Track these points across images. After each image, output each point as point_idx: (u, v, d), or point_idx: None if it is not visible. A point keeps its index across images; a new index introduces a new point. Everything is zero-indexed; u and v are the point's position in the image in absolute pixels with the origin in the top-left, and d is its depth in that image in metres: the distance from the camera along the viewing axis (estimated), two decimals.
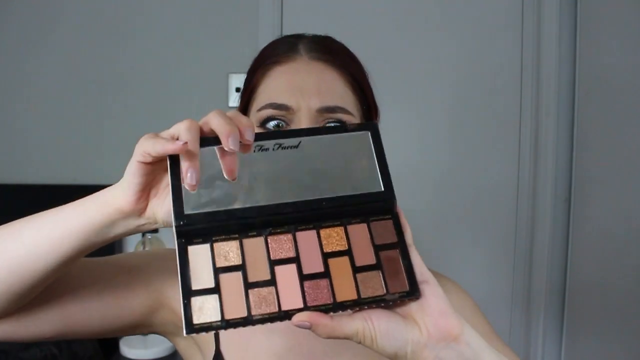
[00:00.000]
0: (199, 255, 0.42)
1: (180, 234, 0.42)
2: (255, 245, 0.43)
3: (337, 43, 0.67)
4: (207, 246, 0.42)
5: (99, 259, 0.64)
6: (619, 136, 1.41)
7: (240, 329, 0.63)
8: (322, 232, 0.44)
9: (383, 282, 0.44)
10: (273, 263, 0.43)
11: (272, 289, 0.42)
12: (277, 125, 0.61)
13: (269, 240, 0.43)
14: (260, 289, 0.42)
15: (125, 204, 0.47)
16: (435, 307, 0.43)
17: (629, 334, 1.32)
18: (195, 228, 0.42)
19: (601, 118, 1.52)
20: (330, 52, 0.64)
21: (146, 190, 0.48)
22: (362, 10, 1.77)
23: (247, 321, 0.41)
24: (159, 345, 1.56)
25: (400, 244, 0.46)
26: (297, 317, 0.41)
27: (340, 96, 0.62)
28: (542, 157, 1.68)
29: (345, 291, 0.43)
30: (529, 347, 1.71)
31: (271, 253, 0.43)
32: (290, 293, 0.42)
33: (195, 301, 0.41)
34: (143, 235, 1.74)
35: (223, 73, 1.82)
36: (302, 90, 0.60)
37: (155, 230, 1.72)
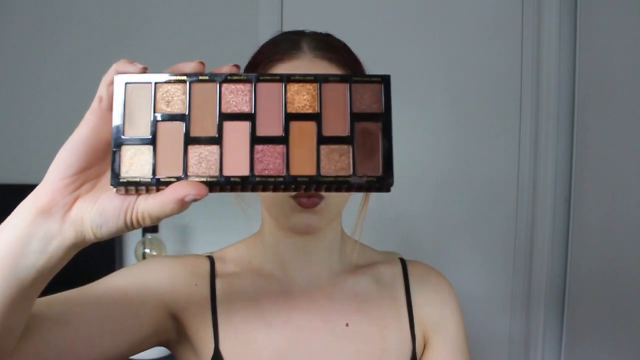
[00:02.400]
0: (139, 95, 0.35)
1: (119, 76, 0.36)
2: (205, 92, 0.36)
3: (338, 41, 0.67)
4: (149, 86, 0.36)
5: (86, 297, 0.56)
6: (619, 136, 1.41)
7: (239, 326, 0.63)
8: (290, 86, 0.36)
9: (351, 160, 0.36)
10: (223, 117, 0.36)
11: (215, 148, 0.35)
12: None
13: (222, 89, 0.36)
14: (203, 146, 0.35)
15: (48, 194, 0.38)
16: None
17: (629, 334, 1.32)
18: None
19: (601, 118, 1.52)
20: (334, 50, 0.64)
21: (79, 179, 0.39)
22: (361, 10, 1.77)
23: (179, 179, 0.35)
24: None
25: (385, 117, 0.37)
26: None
27: None
28: (542, 157, 1.68)
29: (303, 164, 0.35)
30: (528, 347, 1.71)
31: (223, 104, 0.36)
32: (236, 156, 0.36)
33: (127, 150, 0.35)
34: (143, 235, 1.74)
35: None
36: None
37: (155, 230, 1.72)
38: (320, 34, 0.67)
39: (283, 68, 0.61)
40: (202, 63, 0.37)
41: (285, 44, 0.63)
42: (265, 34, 1.92)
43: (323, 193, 0.59)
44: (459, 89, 1.75)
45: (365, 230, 0.71)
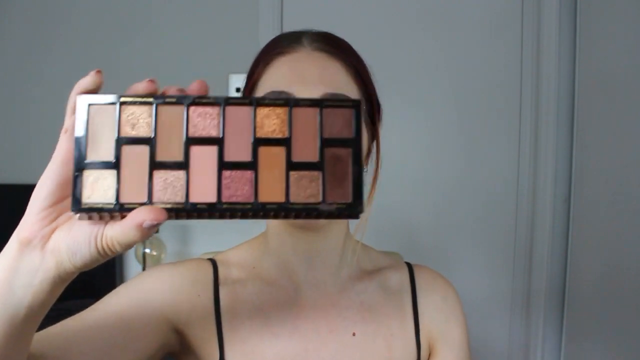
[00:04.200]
0: (103, 117, 0.34)
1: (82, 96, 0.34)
2: (172, 115, 0.35)
3: (339, 37, 0.67)
4: (114, 107, 0.34)
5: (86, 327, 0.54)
6: (619, 136, 1.41)
7: (245, 336, 0.62)
8: (260, 110, 0.35)
9: (321, 187, 0.35)
10: (190, 141, 0.34)
11: (182, 173, 0.34)
12: None
13: (190, 112, 0.35)
14: (169, 171, 0.34)
15: (28, 227, 0.38)
16: None
17: (629, 334, 1.32)
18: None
19: (601, 118, 1.52)
20: (334, 44, 0.63)
21: (56, 211, 0.38)
22: (361, 10, 1.77)
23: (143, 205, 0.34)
24: None
25: (356, 143, 0.36)
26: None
27: (345, 86, 0.60)
28: (542, 157, 1.68)
29: (272, 190, 0.34)
30: (528, 347, 1.71)
31: (190, 128, 0.35)
32: (203, 182, 0.34)
33: (89, 175, 0.34)
34: None
35: (223, 73, 1.82)
36: (305, 78, 0.58)
37: (155, 230, 1.72)
38: (321, 31, 0.66)
39: (282, 60, 0.61)
40: (152, 81, 0.37)
41: (286, 39, 0.63)
42: (265, 34, 1.92)
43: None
44: (458, 89, 1.75)
45: (366, 230, 0.70)
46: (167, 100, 0.34)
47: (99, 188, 0.34)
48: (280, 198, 0.34)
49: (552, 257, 1.68)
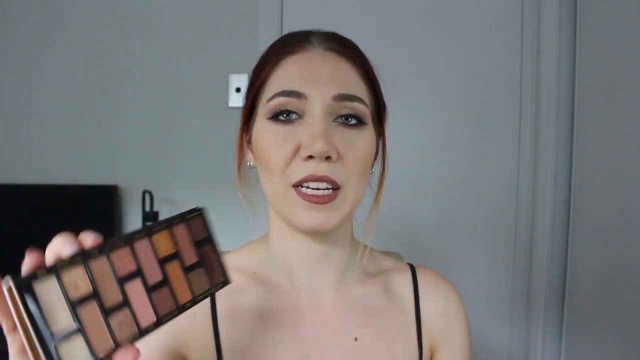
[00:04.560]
0: (49, 291, 0.36)
1: (18, 283, 0.35)
2: (100, 265, 0.39)
3: (347, 38, 0.66)
4: (53, 278, 0.36)
5: None
6: (619, 136, 1.41)
7: (244, 346, 0.60)
8: (154, 237, 0.44)
9: (207, 277, 0.47)
10: (121, 281, 0.40)
11: (127, 310, 0.40)
12: (288, 115, 0.58)
13: (111, 258, 0.40)
14: (118, 312, 0.39)
15: None
16: None
17: (629, 334, 1.32)
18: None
19: (601, 118, 1.52)
20: (343, 44, 0.63)
21: None
22: (361, 10, 1.77)
23: (115, 349, 0.38)
24: None
25: (211, 238, 0.48)
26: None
27: (356, 86, 0.60)
28: (542, 157, 1.68)
29: (184, 293, 0.44)
30: (528, 347, 1.71)
31: (116, 270, 0.40)
32: (143, 308, 0.41)
33: (62, 348, 0.36)
34: None
35: (223, 73, 1.82)
36: (316, 77, 0.58)
37: None
38: (329, 31, 0.66)
39: (292, 60, 0.60)
40: (69, 236, 0.38)
41: (295, 39, 0.62)
42: (266, 34, 1.92)
43: (338, 181, 0.57)
44: (458, 89, 1.75)
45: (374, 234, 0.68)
46: (92, 256, 0.39)
47: (74, 353, 0.37)
48: (190, 296, 0.45)
49: (552, 257, 1.68)
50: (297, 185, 0.57)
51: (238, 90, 1.81)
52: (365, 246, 0.69)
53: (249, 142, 0.64)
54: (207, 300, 0.64)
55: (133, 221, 1.89)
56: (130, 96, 1.90)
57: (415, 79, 1.77)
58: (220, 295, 0.64)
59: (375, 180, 0.67)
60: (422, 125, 1.78)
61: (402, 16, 1.76)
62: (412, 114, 1.78)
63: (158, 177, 1.87)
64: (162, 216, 1.81)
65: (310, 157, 0.56)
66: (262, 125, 0.60)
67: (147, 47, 1.88)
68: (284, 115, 0.58)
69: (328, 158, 0.56)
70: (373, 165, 0.65)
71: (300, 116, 0.58)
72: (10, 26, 1.94)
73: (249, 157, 0.65)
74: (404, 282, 0.71)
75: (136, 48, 1.89)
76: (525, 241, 1.71)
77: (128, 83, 1.90)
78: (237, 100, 1.81)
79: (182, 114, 1.86)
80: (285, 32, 0.66)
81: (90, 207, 1.85)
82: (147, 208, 1.77)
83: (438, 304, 0.70)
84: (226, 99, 1.82)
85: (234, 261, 0.68)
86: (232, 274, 0.65)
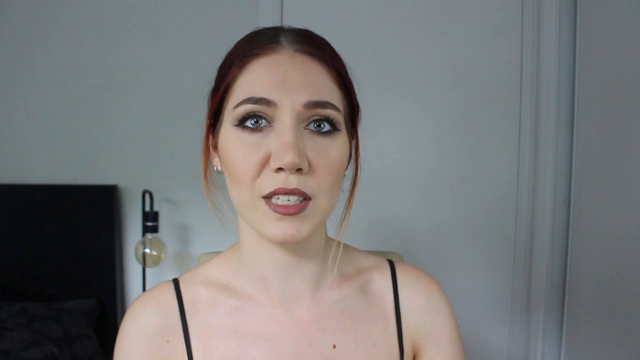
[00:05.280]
0: None
1: None
2: None
3: (319, 36, 0.62)
4: None
5: None
6: (619, 136, 1.41)
7: (217, 344, 0.59)
8: None
9: None
10: None
11: None
12: (257, 122, 0.55)
13: None
14: None
15: None
16: None
17: (629, 334, 1.32)
18: None
19: (601, 118, 1.52)
20: (315, 44, 0.59)
21: None
22: (361, 10, 1.77)
23: None
24: None
25: None
26: None
27: (329, 91, 0.57)
28: (542, 157, 1.68)
29: None
30: (528, 347, 1.71)
31: None
32: None
33: None
34: (143, 234, 1.74)
35: None
36: (286, 83, 0.54)
37: (155, 230, 1.72)
38: (300, 29, 0.61)
39: (260, 62, 0.56)
40: None
41: (263, 38, 0.58)
42: None
43: (310, 193, 0.54)
44: (458, 89, 1.75)
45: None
46: None
47: None
48: None
49: (552, 257, 1.68)
50: (267, 197, 0.54)
51: None
52: (338, 245, 0.66)
53: (215, 146, 0.62)
54: (178, 321, 0.63)
55: (133, 221, 1.90)
56: (130, 96, 1.90)
57: (415, 79, 1.77)
58: (190, 312, 0.63)
59: (347, 183, 0.64)
60: (421, 124, 1.78)
61: (402, 16, 1.76)
62: (412, 114, 1.78)
63: (158, 177, 1.87)
64: (162, 216, 1.81)
65: (281, 169, 0.53)
66: (228, 131, 0.57)
67: (147, 46, 1.88)
68: (252, 121, 0.55)
69: (299, 170, 0.53)
70: (346, 168, 0.62)
71: (270, 122, 0.55)
72: (10, 26, 1.94)
73: (216, 162, 0.63)
74: (382, 279, 0.68)
75: (136, 48, 1.89)
76: (525, 241, 1.71)
77: (128, 83, 1.90)
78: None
79: (182, 114, 1.86)
80: (260, 28, 0.63)
81: (90, 207, 1.85)
82: (147, 208, 1.77)
83: (418, 300, 0.68)
84: None
85: (204, 274, 0.67)
86: (202, 290, 0.65)
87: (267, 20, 1.75)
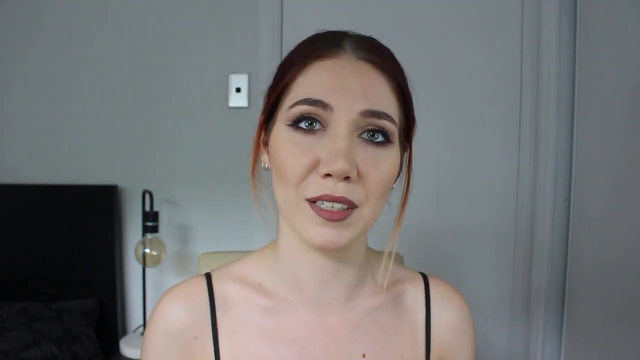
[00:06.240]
0: None
1: None
2: None
3: (383, 45, 0.62)
4: None
5: None
6: (619, 136, 1.41)
7: (248, 358, 0.60)
8: None
9: None
10: None
11: None
12: (310, 124, 0.54)
13: None
14: None
15: None
16: None
17: (628, 334, 1.32)
18: None
19: (601, 118, 1.52)
20: (378, 53, 0.58)
21: None
22: (361, 10, 1.77)
23: None
24: None
25: None
26: None
27: (387, 102, 0.56)
28: (542, 157, 1.68)
29: None
30: (528, 347, 1.71)
31: None
32: None
33: None
34: (143, 234, 1.74)
35: (223, 73, 1.82)
36: (345, 89, 0.54)
37: (155, 230, 1.72)
38: (364, 35, 0.61)
39: (321, 65, 0.56)
40: None
41: (326, 41, 0.58)
42: (265, 34, 1.91)
43: (356, 202, 0.54)
44: (459, 89, 1.75)
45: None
46: None
47: None
48: None
49: (552, 257, 1.68)
50: (311, 200, 0.54)
51: (238, 90, 1.81)
52: (389, 260, 0.65)
53: (266, 143, 0.61)
54: (208, 317, 0.63)
55: (133, 221, 1.90)
56: (131, 96, 1.90)
57: (414, 79, 1.76)
58: (221, 310, 0.63)
59: (395, 197, 0.63)
60: (421, 124, 1.78)
61: (401, 16, 1.76)
62: None
63: (158, 177, 1.87)
64: (162, 216, 1.81)
65: (329, 175, 0.52)
66: (281, 130, 0.56)
67: (147, 47, 1.88)
68: (307, 123, 0.54)
69: (347, 178, 0.52)
70: (395, 182, 0.62)
71: (323, 126, 0.54)
72: (9, 26, 1.94)
73: (264, 159, 0.62)
74: (416, 293, 0.69)
75: (136, 48, 1.89)
76: (525, 241, 1.71)
77: (128, 83, 1.90)
78: (237, 100, 1.81)
79: (182, 114, 1.86)
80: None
81: (90, 207, 1.85)
82: (147, 208, 1.77)
83: (450, 317, 0.69)
84: (226, 99, 1.82)
85: (238, 271, 0.66)
86: (233, 287, 0.65)
87: (267, 20, 1.75)
